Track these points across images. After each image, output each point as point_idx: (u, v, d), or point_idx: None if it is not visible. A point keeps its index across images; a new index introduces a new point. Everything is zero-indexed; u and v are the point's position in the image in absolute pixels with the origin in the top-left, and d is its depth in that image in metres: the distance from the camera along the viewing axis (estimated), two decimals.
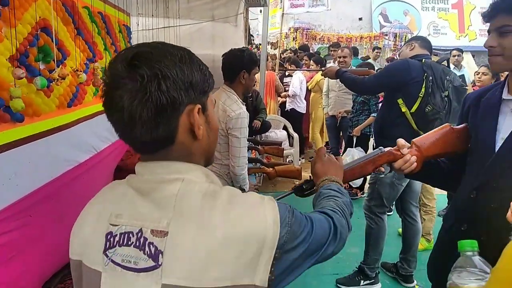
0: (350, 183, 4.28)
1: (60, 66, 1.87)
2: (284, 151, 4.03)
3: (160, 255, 0.65)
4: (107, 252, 0.70)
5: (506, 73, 1.21)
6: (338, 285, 2.82)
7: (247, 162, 2.21)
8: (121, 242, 0.69)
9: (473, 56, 12.60)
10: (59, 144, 2.20)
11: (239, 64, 2.21)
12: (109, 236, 0.70)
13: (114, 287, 0.68)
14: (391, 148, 1.28)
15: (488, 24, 1.17)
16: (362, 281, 2.76)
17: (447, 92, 2.43)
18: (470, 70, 10.76)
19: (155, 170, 0.71)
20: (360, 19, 13.27)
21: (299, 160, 5.36)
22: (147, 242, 0.67)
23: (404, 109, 2.47)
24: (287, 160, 4.94)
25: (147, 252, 0.66)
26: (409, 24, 12.83)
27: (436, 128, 1.32)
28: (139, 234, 0.68)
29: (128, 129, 0.68)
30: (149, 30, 3.71)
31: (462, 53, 6.11)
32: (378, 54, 8.67)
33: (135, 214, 0.70)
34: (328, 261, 3.09)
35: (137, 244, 0.67)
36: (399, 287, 2.83)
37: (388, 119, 2.58)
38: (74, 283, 0.78)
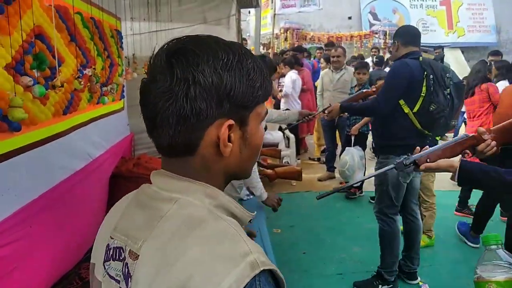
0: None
1: (56, 73, 1.84)
2: (281, 153, 4.02)
3: (130, 279, 0.61)
4: (105, 264, 0.68)
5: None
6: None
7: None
8: (114, 256, 0.66)
9: (462, 52, 12.73)
10: (56, 152, 2.16)
11: None
12: (107, 249, 0.68)
13: None
14: (474, 134, 1.51)
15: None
16: (380, 286, 2.68)
17: (448, 89, 2.40)
18: (459, 66, 10.88)
19: (159, 184, 0.67)
20: (350, 18, 13.33)
21: (296, 161, 5.36)
22: (125, 262, 0.63)
23: (406, 109, 2.42)
24: (283, 161, 4.93)
25: (124, 272, 0.63)
26: (398, 21, 12.91)
27: None
28: (125, 251, 0.64)
29: (150, 127, 0.65)
30: (141, 34, 3.68)
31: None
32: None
33: (126, 229, 0.66)
34: (331, 260, 3.08)
35: (123, 261, 0.64)
36: (404, 285, 2.83)
37: (390, 120, 2.50)
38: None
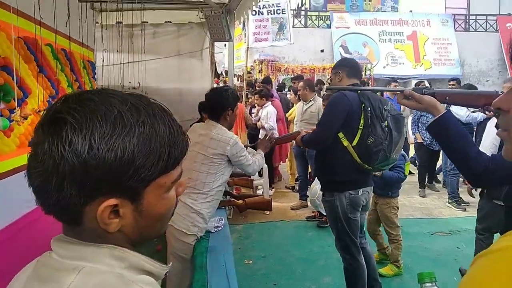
0: (320, 210, 4.35)
1: (22, 105, 1.83)
2: (254, 182, 4.04)
3: None
4: None
5: None
6: None
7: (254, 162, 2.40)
8: None
9: (430, 84, 13.31)
10: (19, 185, 2.11)
11: (225, 103, 2.29)
12: None
13: None
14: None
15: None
16: None
17: (386, 122, 2.39)
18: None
19: (59, 251, 0.59)
20: (322, 51, 13.83)
21: (269, 190, 5.37)
22: None
23: (346, 143, 2.38)
24: (257, 191, 4.94)
25: None
26: (368, 55, 13.47)
27: None
28: None
29: (32, 191, 0.57)
30: (114, 65, 3.71)
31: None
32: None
33: None
34: None
35: None
36: None
37: (330, 155, 2.47)
38: None
